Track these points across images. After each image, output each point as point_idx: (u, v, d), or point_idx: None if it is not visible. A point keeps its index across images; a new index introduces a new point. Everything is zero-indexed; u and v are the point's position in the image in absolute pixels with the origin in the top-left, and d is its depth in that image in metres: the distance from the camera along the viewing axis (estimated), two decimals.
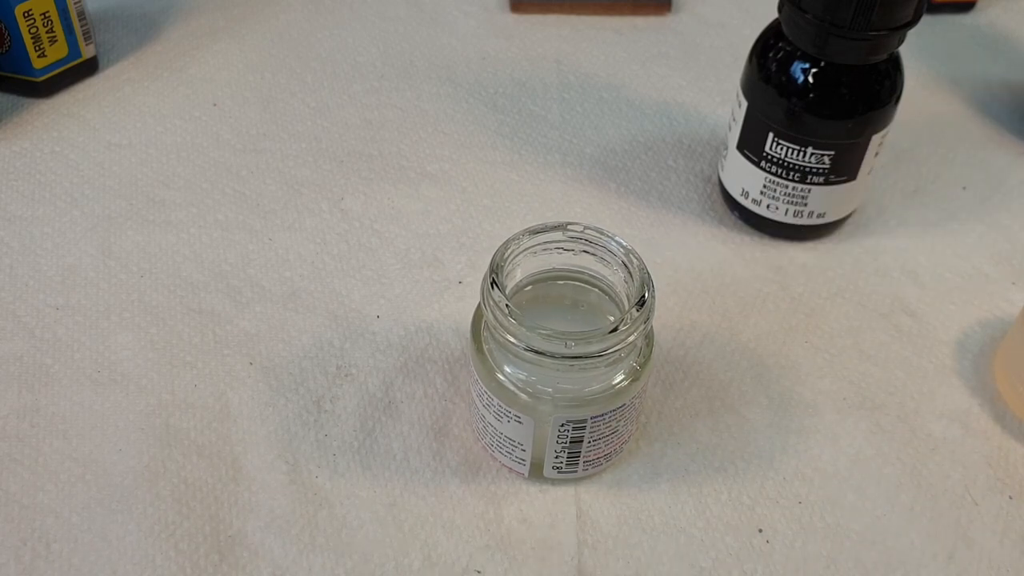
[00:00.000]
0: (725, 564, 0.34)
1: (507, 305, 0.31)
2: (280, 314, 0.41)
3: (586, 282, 0.34)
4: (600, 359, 0.31)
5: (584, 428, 0.33)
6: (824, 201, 0.42)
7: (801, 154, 0.41)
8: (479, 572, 0.33)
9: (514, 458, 0.35)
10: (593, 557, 0.34)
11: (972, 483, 0.36)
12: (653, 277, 0.33)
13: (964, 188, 0.48)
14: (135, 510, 0.34)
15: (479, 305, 0.33)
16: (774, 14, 0.41)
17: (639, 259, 0.32)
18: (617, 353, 0.31)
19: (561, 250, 0.33)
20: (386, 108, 0.50)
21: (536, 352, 0.30)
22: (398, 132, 0.49)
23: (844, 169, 0.41)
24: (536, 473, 0.35)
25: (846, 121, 0.39)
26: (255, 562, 0.33)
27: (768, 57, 0.40)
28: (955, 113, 0.52)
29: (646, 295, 0.31)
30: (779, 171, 0.42)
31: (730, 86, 0.52)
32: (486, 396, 0.33)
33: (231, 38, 0.54)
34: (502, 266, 0.32)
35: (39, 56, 0.48)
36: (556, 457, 0.34)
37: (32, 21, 0.47)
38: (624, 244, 0.33)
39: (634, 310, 0.31)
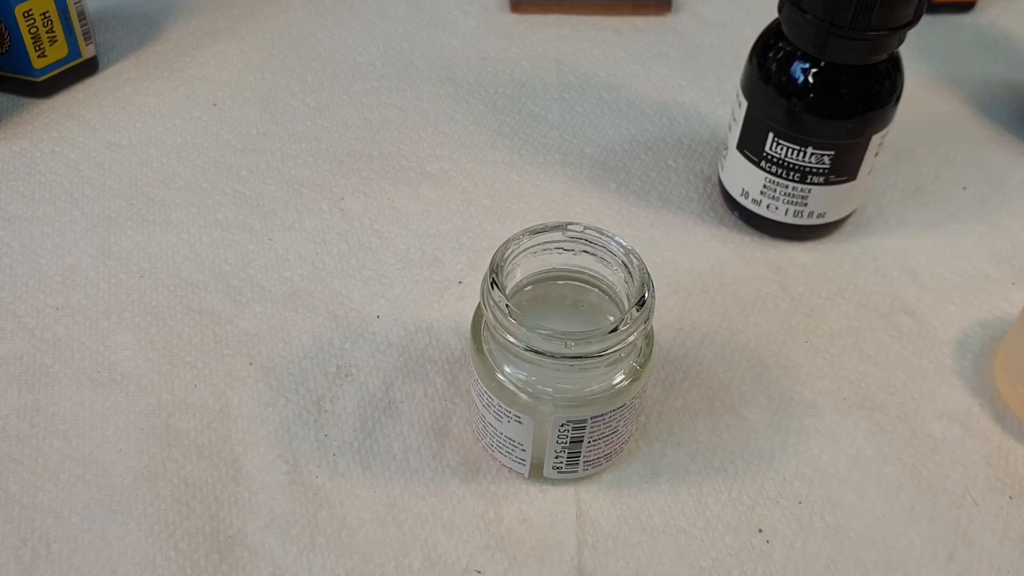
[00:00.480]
0: (725, 564, 0.34)
1: (507, 305, 0.31)
2: (280, 314, 0.41)
3: (586, 282, 0.34)
4: (600, 359, 0.31)
5: (584, 428, 0.33)
6: (824, 201, 0.42)
7: (801, 154, 0.41)
8: (479, 572, 0.33)
9: (514, 458, 0.35)
10: (593, 557, 0.34)
11: (972, 483, 0.36)
12: (653, 277, 0.33)
13: (964, 188, 0.48)
14: (135, 510, 0.34)
15: (479, 305, 0.33)
16: (774, 14, 0.41)
17: (639, 259, 0.32)
18: (617, 353, 0.31)
19: (561, 250, 0.33)
20: (386, 108, 0.50)
21: (536, 352, 0.30)
22: (398, 132, 0.49)
23: (844, 169, 0.41)
24: (536, 473, 0.35)
25: (846, 121, 0.39)
26: (255, 562, 0.33)
27: (768, 57, 0.40)
28: (955, 113, 0.52)
29: (646, 295, 0.31)
30: (779, 171, 0.41)
31: (730, 86, 0.52)
32: (486, 396, 0.33)
33: (231, 38, 0.54)
34: (502, 266, 0.32)
35: (39, 56, 0.48)
36: (556, 457, 0.34)
37: (32, 21, 0.47)
38: (624, 244, 0.33)
39: (634, 310, 0.31)
